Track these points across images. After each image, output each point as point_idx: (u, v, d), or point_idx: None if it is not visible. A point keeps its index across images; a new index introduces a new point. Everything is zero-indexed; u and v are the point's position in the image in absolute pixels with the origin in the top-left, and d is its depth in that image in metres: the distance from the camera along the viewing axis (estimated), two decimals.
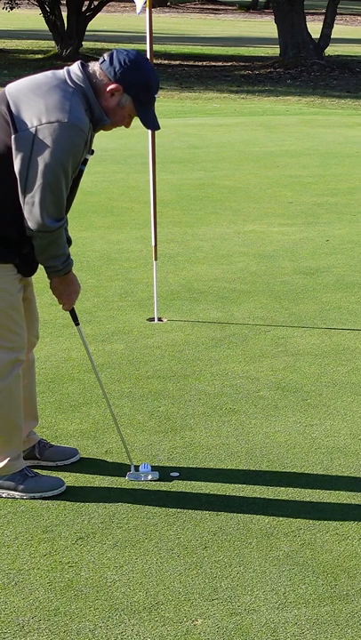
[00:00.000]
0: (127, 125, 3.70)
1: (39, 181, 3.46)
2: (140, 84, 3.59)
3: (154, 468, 4.14)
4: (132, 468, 4.12)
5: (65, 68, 3.63)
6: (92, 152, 3.69)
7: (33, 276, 3.90)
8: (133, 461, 4.17)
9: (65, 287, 3.82)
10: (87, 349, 4.09)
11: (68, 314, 4.04)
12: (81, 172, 3.65)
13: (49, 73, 3.63)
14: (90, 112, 3.56)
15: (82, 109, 3.51)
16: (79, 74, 3.56)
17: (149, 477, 4.08)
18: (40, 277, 3.89)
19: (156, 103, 3.71)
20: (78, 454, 4.26)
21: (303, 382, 5.18)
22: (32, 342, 4.04)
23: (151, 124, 3.68)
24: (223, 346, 5.70)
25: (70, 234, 3.93)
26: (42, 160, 3.45)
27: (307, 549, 3.60)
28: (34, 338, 4.05)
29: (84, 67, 3.59)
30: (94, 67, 3.60)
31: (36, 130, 3.44)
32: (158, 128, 3.73)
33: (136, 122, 3.73)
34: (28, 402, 4.07)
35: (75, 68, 3.58)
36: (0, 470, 3.92)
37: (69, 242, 3.81)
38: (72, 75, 3.56)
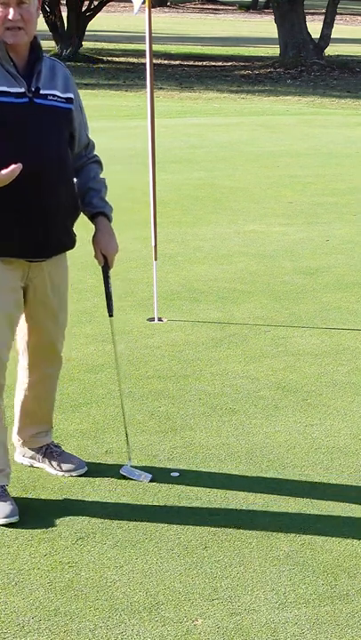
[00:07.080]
0: (7, 16, 3.54)
1: None
2: None
3: (154, 468, 4.15)
4: (129, 464, 4.13)
5: None
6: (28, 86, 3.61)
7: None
8: (133, 460, 4.17)
9: None
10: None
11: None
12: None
13: None
14: None
15: None
16: None
17: (142, 477, 4.06)
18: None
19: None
20: (85, 468, 4.14)
21: (303, 382, 5.17)
22: (46, 356, 4.03)
23: None
24: (223, 346, 5.70)
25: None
26: None
27: (307, 549, 3.60)
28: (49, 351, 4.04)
29: None
30: None
31: None
32: None
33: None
34: (36, 409, 4.07)
35: None
36: None
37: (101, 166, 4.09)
38: None
